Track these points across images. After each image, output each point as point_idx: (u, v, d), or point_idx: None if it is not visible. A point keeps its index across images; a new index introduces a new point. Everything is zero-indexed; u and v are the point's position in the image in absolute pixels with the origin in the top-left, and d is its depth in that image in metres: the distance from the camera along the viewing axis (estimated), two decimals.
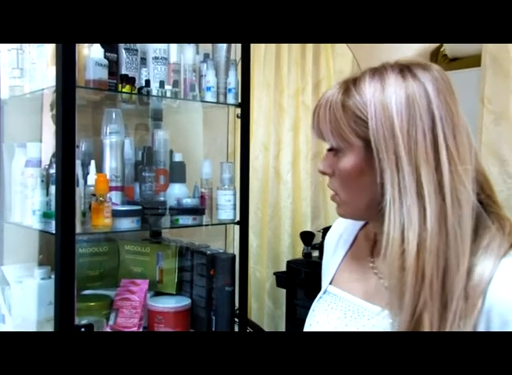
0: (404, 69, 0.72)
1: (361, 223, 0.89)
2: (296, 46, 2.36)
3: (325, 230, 2.18)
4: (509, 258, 0.67)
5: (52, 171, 1.26)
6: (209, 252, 1.52)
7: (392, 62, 0.74)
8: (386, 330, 0.71)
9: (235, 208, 1.54)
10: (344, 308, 0.81)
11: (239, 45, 1.54)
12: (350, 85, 0.73)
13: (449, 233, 0.66)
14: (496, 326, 0.64)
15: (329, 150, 0.77)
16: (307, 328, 0.85)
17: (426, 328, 0.65)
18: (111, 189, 1.32)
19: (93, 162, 1.35)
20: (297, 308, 2.06)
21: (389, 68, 0.72)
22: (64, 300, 1.17)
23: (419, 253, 0.66)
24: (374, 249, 0.84)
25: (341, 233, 0.92)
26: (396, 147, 0.68)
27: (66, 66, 1.15)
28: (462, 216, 0.67)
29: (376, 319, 0.75)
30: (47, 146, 1.32)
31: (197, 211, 1.49)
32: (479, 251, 0.68)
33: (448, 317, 0.65)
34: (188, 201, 1.48)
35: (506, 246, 0.67)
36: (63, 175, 1.15)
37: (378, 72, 0.72)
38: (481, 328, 0.65)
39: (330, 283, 0.87)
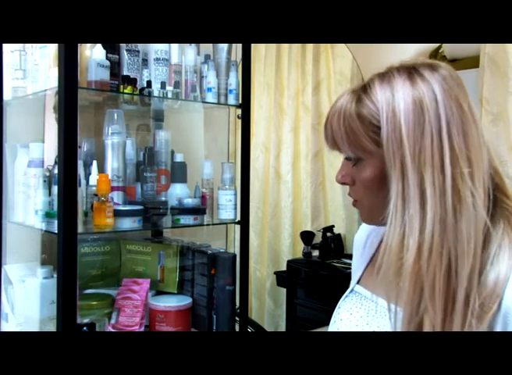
0: (412, 71, 0.71)
1: None
2: (296, 47, 2.37)
3: (325, 229, 2.20)
4: None
5: (55, 171, 1.27)
6: (210, 252, 1.53)
7: (397, 64, 0.74)
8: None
9: (236, 208, 1.54)
10: (368, 307, 0.82)
11: (239, 46, 1.55)
12: (361, 94, 0.72)
13: (450, 237, 0.66)
14: None
15: (347, 159, 0.77)
16: (332, 324, 0.86)
17: (427, 330, 0.65)
18: (113, 189, 1.33)
19: (95, 163, 1.36)
20: (297, 307, 2.06)
21: (396, 72, 0.72)
22: (66, 299, 1.17)
23: (418, 260, 0.65)
24: None
25: (369, 233, 0.93)
26: (403, 155, 0.68)
27: (68, 67, 1.16)
28: (465, 219, 0.66)
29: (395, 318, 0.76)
30: (49, 146, 1.32)
31: (198, 211, 1.50)
32: (491, 254, 0.67)
33: (454, 319, 0.64)
34: (189, 201, 1.49)
35: None
36: (65, 175, 1.16)
37: (387, 77, 0.72)
38: (498, 329, 0.64)
39: (357, 283, 0.88)
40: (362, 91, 0.73)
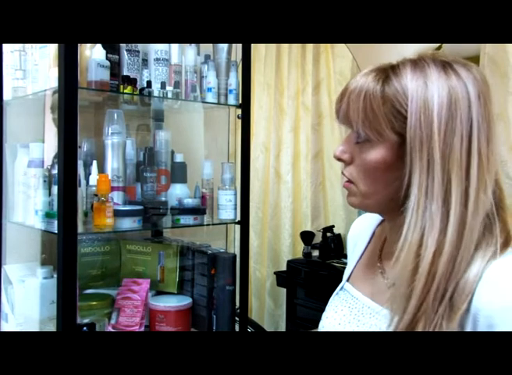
0: (446, 65, 0.69)
1: (379, 220, 0.88)
2: (296, 47, 2.37)
3: (325, 229, 2.20)
4: (498, 260, 0.65)
5: (54, 171, 1.27)
6: (210, 252, 1.53)
7: (429, 54, 0.71)
8: (383, 330, 0.71)
9: (236, 208, 1.54)
10: (352, 305, 0.81)
11: (239, 47, 1.55)
12: (390, 74, 0.69)
13: (464, 240, 0.65)
14: (482, 329, 0.62)
15: (352, 136, 0.73)
16: (321, 321, 0.86)
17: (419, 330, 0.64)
18: (112, 189, 1.33)
19: (95, 163, 1.36)
20: (297, 308, 2.07)
21: (431, 62, 0.69)
22: (66, 299, 1.17)
23: (434, 259, 0.64)
24: (382, 248, 0.83)
25: (361, 230, 0.92)
26: (432, 150, 0.65)
27: (69, 68, 1.16)
28: (477, 224, 0.66)
29: (376, 317, 0.76)
30: (49, 147, 1.32)
31: (198, 211, 1.50)
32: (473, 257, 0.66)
33: (434, 319, 0.64)
34: (189, 201, 1.49)
35: (493, 248, 0.66)
36: (65, 175, 1.16)
37: (420, 65, 0.69)
38: (468, 330, 0.64)
39: (348, 280, 0.88)
40: (391, 71, 0.69)
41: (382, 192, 0.72)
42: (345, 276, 0.90)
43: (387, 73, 0.70)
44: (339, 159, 0.75)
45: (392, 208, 0.72)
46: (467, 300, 0.63)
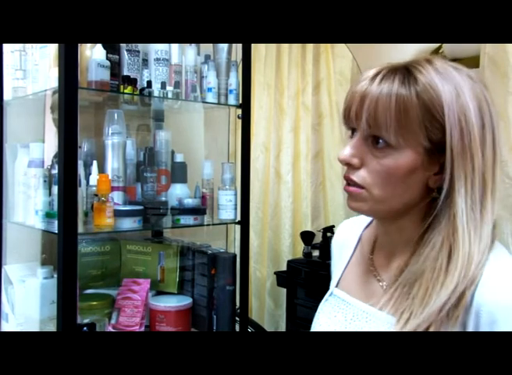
0: (458, 69, 0.69)
1: (365, 224, 0.88)
2: (296, 47, 2.37)
3: (325, 229, 2.20)
4: (495, 255, 0.67)
5: (54, 171, 1.27)
6: (210, 252, 1.53)
7: (439, 57, 0.71)
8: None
9: (236, 208, 1.54)
10: (346, 311, 0.80)
11: (240, 47, 1.55)
12: (419, 78, 0.67)
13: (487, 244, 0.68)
14: (484, 324, 0.63)
15: (362, 141, 0.71)
16: (312, 329, 0.85)
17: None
18: (113, 189, 1.33)
19: (95, 163, 1.36)
20: (298, 308, 2.06)
21: (447, 65, 0.69)
22: (66, 299, 1.17)
23: (469, 265, 0.65)
24: (374, 251, 0.83)
25: (347, 235, 0.91)
26: (473, 158, 0.66)
27: (69, 68, 1.16)
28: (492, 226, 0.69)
29: (373, 321, 0.75)
30: (49, 147, 1.32)
31: (198, 211, 1.50)
32: None
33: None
34: (189, 202, 1.49)
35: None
36: (65, 175, 1.16)
37: (440, 68, 0.68)
38: (471, 326, 0.64)
39: (336, 286, 0.87)
40: (416, 73, 0.68)
41: (398, 197, 0.71)
42: (333, 283, 0.88)
43: (411, 75, 0.68)
44: (347, 164, 0.72)
45: (402, 211, 0.72)
46: (470, 295, 0.64)
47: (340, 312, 0.81)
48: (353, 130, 0.73)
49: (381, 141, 0.69)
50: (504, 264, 0.67)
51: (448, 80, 0.67)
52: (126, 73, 1.39)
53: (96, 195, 1.28)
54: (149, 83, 1.42)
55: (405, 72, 0.68)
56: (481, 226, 0.67)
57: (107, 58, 1.32)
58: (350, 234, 0.90)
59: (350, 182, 0.72)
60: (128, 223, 1.34)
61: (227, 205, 1.52)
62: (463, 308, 0.64)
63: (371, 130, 0.69)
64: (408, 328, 0.65)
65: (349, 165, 0.72)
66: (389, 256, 0.78)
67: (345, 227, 0.93)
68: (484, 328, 0.63)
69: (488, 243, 0.67)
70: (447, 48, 2.55)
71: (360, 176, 0.71)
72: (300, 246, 2.23)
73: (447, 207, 0.68)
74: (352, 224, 0.91)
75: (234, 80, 1.56)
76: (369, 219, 0.87)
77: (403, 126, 0.67)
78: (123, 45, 1.40)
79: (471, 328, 0.64)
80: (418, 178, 0.69)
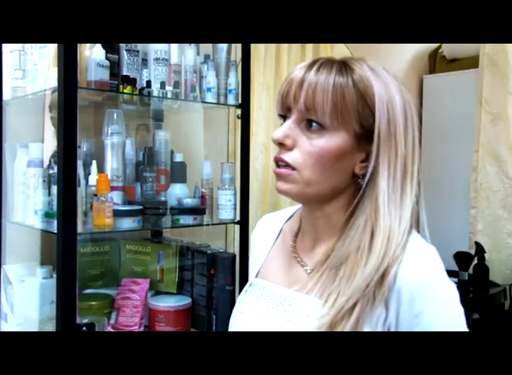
0: (383, 69, 0.77)
1: (286, 217, 0.91)
2: (296, 47, 2.37)
3: None
4: (414, 240, 0.73)
5: (52, 171, 1.27)
6: (210, 252, 1.53)
7: (362, 58, 0.77)
8: (305, 315, 0.74)
9: (235, 208, 1.54)
10: (267, 296, 0.82)
11: (239, 46, 1.55)
12: (356, 70, 0.73)
13: (408, 225, 0.74)
14: (405, 302, 0.69)
15: (297, 123, 0.75)
16: (232, 319, 0.86)
17: (354, 316, 0.68)
18: (112, 189, 1.33)
19: (94, 163, 1.36)
20: None
21: (375, 66, 0.76)
22: (65, 299, 1.17)
23: (389, 243, 0.71)
24: (296, 238, 0.85)
25: (267, 229, 0.93)
26: (397, 145, 0.73)
27: (68, 67, 1.16)
28: (414, 209, 0.75)
29: (297, 304, 0.77)
30: (49, 146, 1.32)
31: (197, 211, 1.50)
32: None
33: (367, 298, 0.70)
34: (189, 201, 1.49)
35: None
36: (65, 175, 1.16)
37: (372, 66, 0.75)
38: (394, 304, 0.69)
39: (256, 277, 0.88)
40: (354, 67, 0.74)
41: (327, 181, 0.74)
42: (252, 274, 0.90)
43: (348, 66, 0.74)
44: (280, 144, 0.74)
45: (329, 197, 0.76)
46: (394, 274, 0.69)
47: (262, 298, 0.83)
48: (285, 118, 0.76)
49: (314, 124, 0.73)
50: (422, 247, 0.74)
51: (379, 76, 0.74)
52: (125, 72, 1.39)
53: (95, 195, 1.28)
54: (148, 83, 1.41)
55: (342, 64, 0.74)
56: (400, 207, 0.73)
57: (106, 58, 1.32)
58: (271, 228, 0.92)
59: (280, 163, 0.75)
60: (127, 223, 1.34)
61: (226, 205, 1.52)
62: (387, 286, 0.69)
63: (306, 113, 0.73)
64: (336, 307, 0.69)
65: (282, 145, 0.74)
66: (314, 242, 0.81)
67: (265, 222, 0.95)
68: (404, 305, 0.69)
69: (407, 226, 0.72)
70: (447, 48, 2.55)
71: (291, 157, 0.74)
72: None
73: (371, 189, 0.74)
74: (272, 218, 0.94)
75: (233, 79, 1.56)
76: (290, 212, 0.91)
77: (338, 110, 0.71)
78: (123, 45, 1.40)
79: (393, 305, 0.69)
80: (346, 163, 0.74)
